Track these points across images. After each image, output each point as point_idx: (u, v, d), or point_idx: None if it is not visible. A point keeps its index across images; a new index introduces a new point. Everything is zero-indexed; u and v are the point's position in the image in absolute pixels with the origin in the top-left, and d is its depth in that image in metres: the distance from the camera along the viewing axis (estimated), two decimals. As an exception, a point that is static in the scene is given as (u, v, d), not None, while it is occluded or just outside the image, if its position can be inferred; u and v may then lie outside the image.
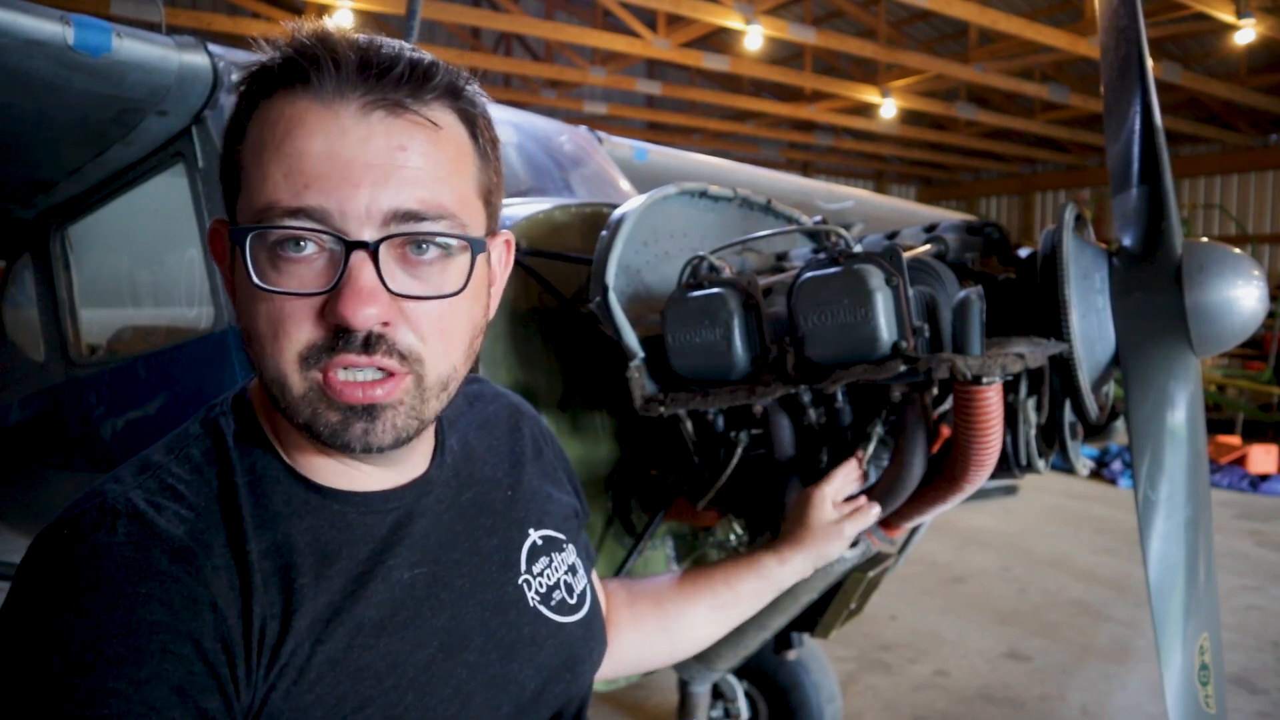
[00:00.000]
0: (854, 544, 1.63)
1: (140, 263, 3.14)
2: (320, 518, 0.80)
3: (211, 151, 2.37)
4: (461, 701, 0.83)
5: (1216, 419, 9.93)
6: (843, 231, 1.64)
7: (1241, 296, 1.51)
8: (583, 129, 3.63)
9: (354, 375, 0.74)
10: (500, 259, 0.90)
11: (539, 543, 0.99)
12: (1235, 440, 8.93)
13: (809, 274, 1.48)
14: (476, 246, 0.78)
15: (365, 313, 0.71)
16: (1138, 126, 1.55)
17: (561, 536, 1.03)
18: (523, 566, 0.96)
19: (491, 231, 0.84)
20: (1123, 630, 4.52)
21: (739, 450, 1.66)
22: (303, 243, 0.72)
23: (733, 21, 9.22)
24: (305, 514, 0.80)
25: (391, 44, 0.75)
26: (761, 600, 1.34)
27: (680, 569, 1.36)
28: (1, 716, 0.64)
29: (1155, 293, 1.53)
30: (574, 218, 1.99)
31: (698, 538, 2.09)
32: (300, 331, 0.73)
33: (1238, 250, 1.55)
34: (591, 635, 1.01)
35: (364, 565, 0.81)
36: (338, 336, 0.72)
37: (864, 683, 3.86)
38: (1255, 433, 9.61)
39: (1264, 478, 8.04)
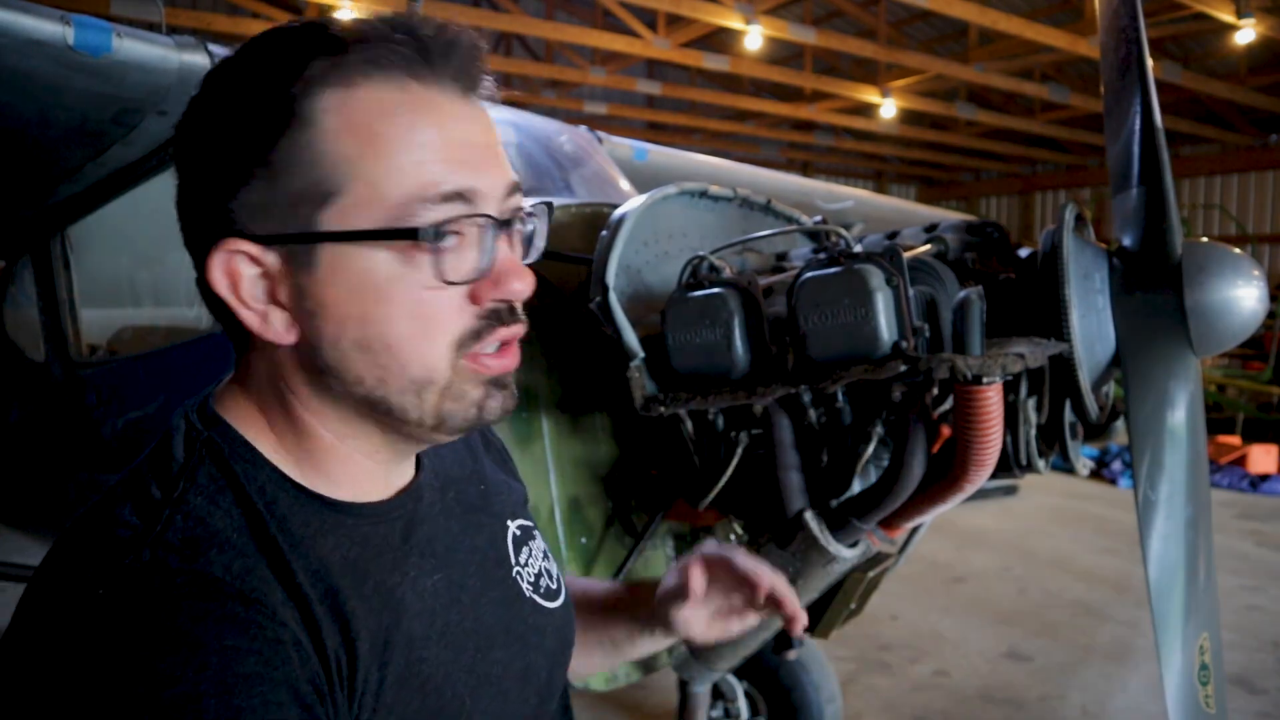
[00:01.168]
0: (854, 544, 1.63)
1: (140, 263, 3.14)
2: (340, 535, 0.76)
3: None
4: (503, 698, 0.84)
5: (1216, 419, 9.93)
6: (843, 231, 1.64)
7: (1241, 296, 1.51)
8: (583, 129, 3.63)
9: (499, 348, 0.76)
10: None
11: (518, 533, 0.98)
12: (1235, 440, 8.93)
13: (809, 274, 1.48)
14: (550, 211, 0.82)
15: (520, 286, 0.74)
16: (1138, 126, 1.55)
17: (530, 524, 1.02)
18: (512, 559, 0.95)
19: None
20: (1123, 630, 4.53)
21: (739, 450, 1.66)
22: (450, 234, 0.70)
23: (733, 21, 9.22)
24: (327, 533, 0.75)
25: (453, 26, 0.74)
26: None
27: (608, 583, 1.25)
28: None
29: (1155, 293, 1.53)
30: (574, 218, 1.99)
31: (698, 538, 2.09)
32: (458, 320, 0.73)
33: (1238, 250, 1.55)
34: (570, 617, 1.02)
35: (393, 579, 0.78)
36: (492, 315, 0.74)
37: (864, 683, 3.86)
38: (1255, 433, 9.60)
39: (1264, 478, 8.04)
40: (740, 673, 2.71)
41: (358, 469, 0.79)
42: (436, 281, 0.70)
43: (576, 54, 12.48)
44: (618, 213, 1.74)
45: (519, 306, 0.77)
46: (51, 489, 3.16)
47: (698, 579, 1.03)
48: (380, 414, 0.75)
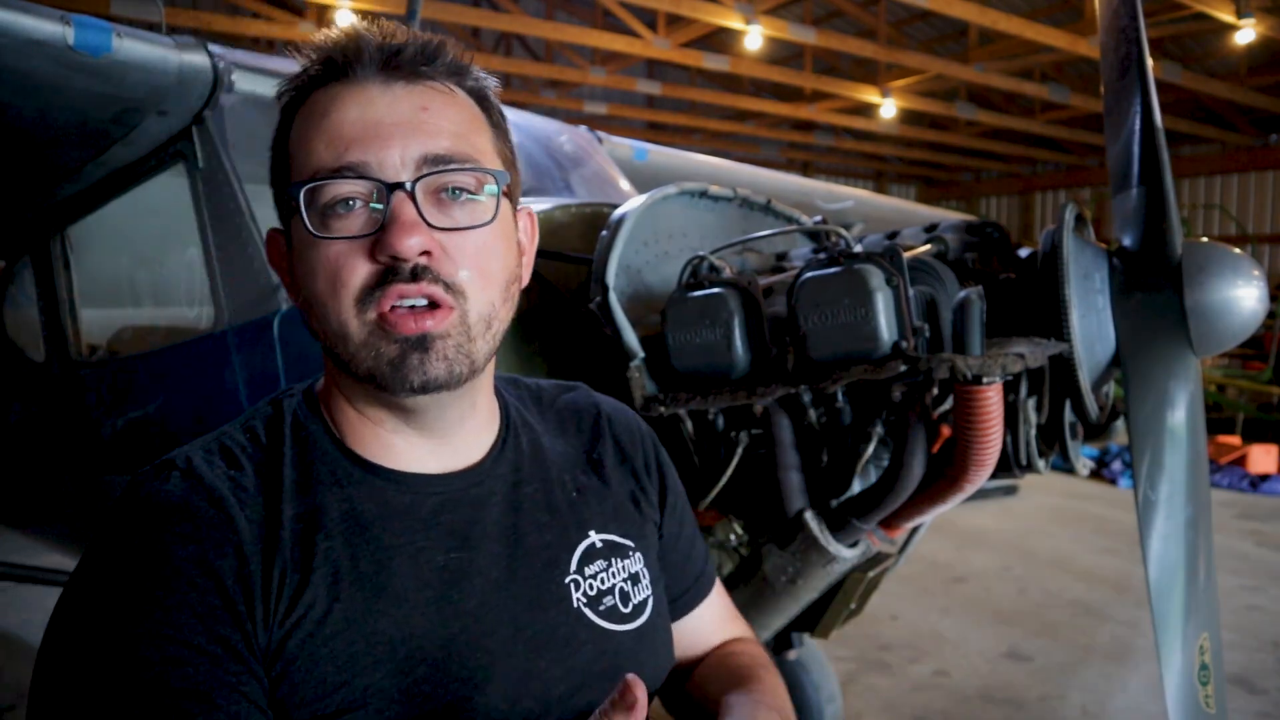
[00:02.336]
0: (854, 544, 1.63)
1: (140, 263, 3.14)
2: (359, 490, 0.87)
3: (212, 151, 2.37)
4: (476, 685, 0.84)
5: (1216, 419, 9.92)
6: (843, 231, 1.64)
7: (1241, 296, 1.51)
8: (583, 129, 3.63)
9: (404, 303, 0.81)
10: (526, 230, 0.97)
11: (598, 545, 0.98)
12: (1235, 440, 8.92)
13: (809, 274, 1.48)
14: (500, 179, 0.87)
15: (409, 242, 0.79)
16: (1138, 126, 1.55)
17: (628, 543, 1.01)
18: (573, 567, 0.95)
19: (513, 197, 0.92)
20: (1123, 630, 4.53)
21: (739, 450, 1.66)
22: (351, 202, 0.82)
23: (733, 21, 9.22)
24: (346, 485, 0.87)
25: (403, 31, 0.87)
26: None
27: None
28: (69, 623, 0.77)
29: (1155, 293, 1.53)
30: (574, 218, 1.99)
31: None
32: (354, 275, 0.81)
33: (1238, 250, 1.55)
34: (645, 649, 0.98)
35: (396, 539, 0.85)
36: (388, 273, 0.81)
37: (864, 683, 3.86)
38: (1255, 433, 9.59)
39: (1264, 478, 8.04)
40: (740, 673, 2.71)
41: (390, 442, 0.90)
42: (322, 239, 0.82)
43: (576, 54, 12.48)
44: (618, 213, 1.74)
45: (436, 269, 0.82)
46: (51, 489, 3.16)
47: None
48: (344, 369, 0.86)
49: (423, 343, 0.82)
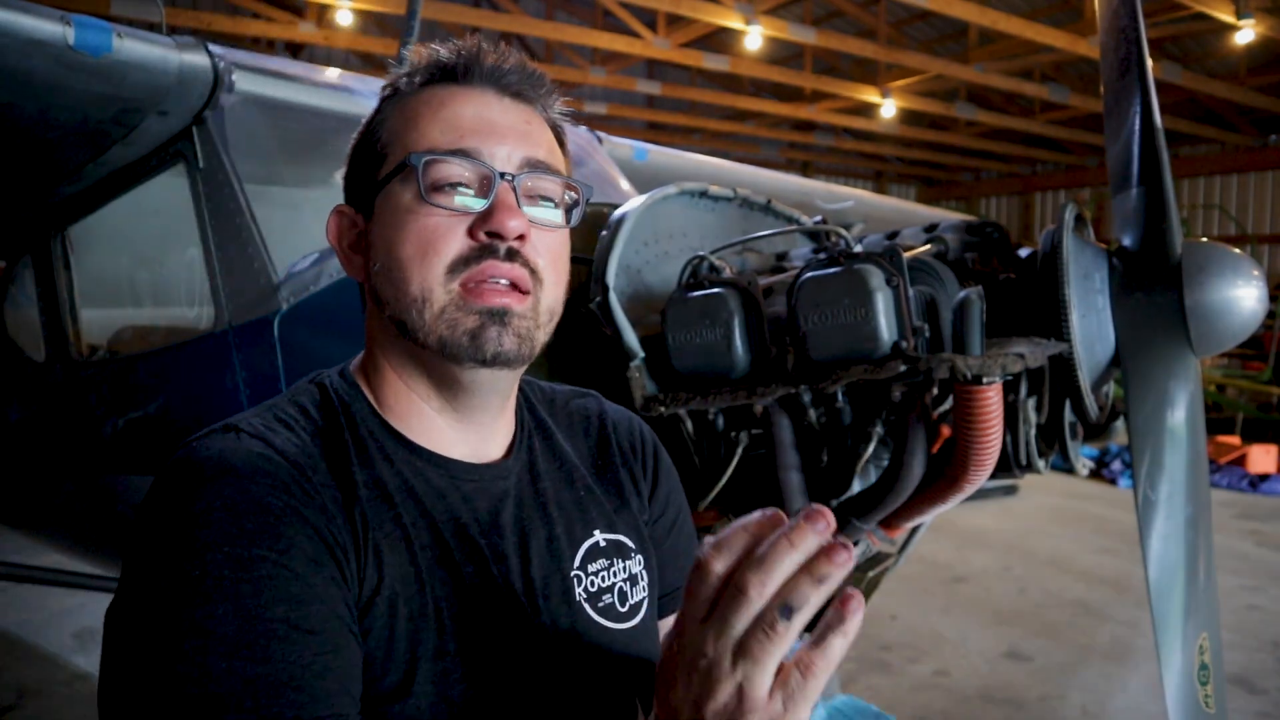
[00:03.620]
0: (854, 544, 1.63)
1: (140, 263, 3.14)
2: (410, 469, 0.90)
3: (212, 151, 2.37)
4: (495, 668, 0.88)
5: (1216, 419, 9.93)
6: (843, 231, 1.64)
7: (1241, 296, 1.51)
8: (583, 129, 3.63)
9: (493, 283, 0.87)
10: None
11: (602, 544, 1.02)
12: (1235, 440, 8.93)
13: (809, 274, 1.48)
14: (585, 192, 0.96)
15: (512, 223, 0.86)
16: (1138, 126, 1.55)
17: (630, 545, 1.05)
18: (576, 562, 0.99)
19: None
20: (1123, 630, 4.53)
21: (739, 450, 1.66)
22: (455, 186, 0.88)
23: (733, 21, 9.22)
24: (397, 463, 0.90)
25: (513, 55, 0.95)
26: None
27: None
28: (158, 588, 0.73)
29: (1155, 293, 1.53)
30: (574, 218, 1.99)
31: (698, 538, 2.09)
32: (450, 245, 0.87)
33: (1237, 250, 1.55)
34: (638, 648, 1.01)
35: (444, 519, 0.89)
36: (484, 249, 0.87)
37: (864, 683, 3.86)
38: (1255, 433, 9.60)
39: (1264, 478, 8.05)
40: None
41: (430, 424, 0.94)
42: (431, 209, 0.87)
43: (576, 54, 12.48)
44: (618, 213, 1.74)
45: (525, 255, 0.89)
46: (52, 489, 3.16)
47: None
48: (402, 338, 0.90)
49: (503, 316, 0.87)
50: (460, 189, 0.88)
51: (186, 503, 0.76)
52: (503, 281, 0.87)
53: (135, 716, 0.70)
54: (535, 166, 0.91)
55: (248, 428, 0.84)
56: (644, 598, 1.04)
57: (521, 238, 0.88)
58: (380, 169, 0.92)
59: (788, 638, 0.60)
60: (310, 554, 0.77)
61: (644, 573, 1.05)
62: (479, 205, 0.88)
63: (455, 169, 0.88)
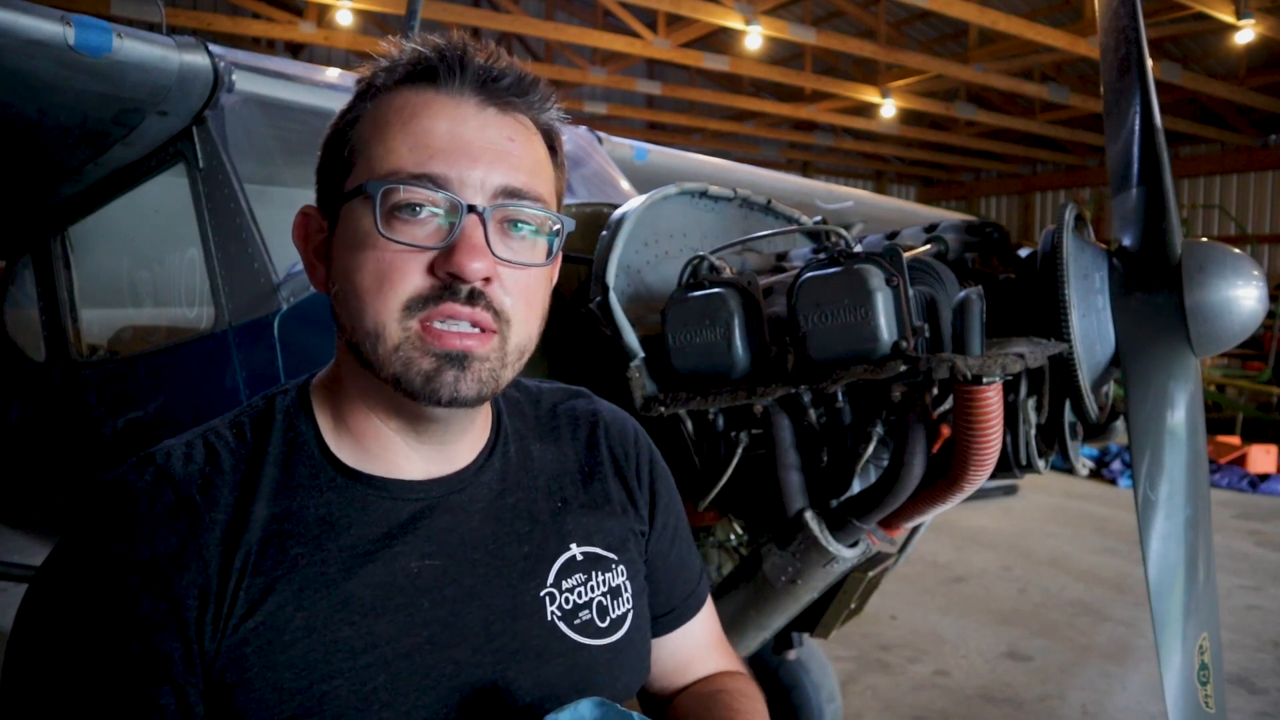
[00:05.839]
0: (854, 544, 1.63)
1: (140, 263, 3.14)
2: (338, 495, 0.86)
3: (212, 151, 2.37)
4: (438, 695, 0.84)
5: (1216, 419, 9.93)
6: (843, 231, 1.64)
7: (1241, 296, 1.51)
8: (583, 129, 3.63)
9: (452, 326, 0.82)
10: (554, 271, 0.97)
11: (578, 558, 0.98)
12: (1235, 440, 8.93)
13: (809, 274, 1.48)
14: (566, 224, 0.90)
15: (475, 266, 0.80)
16: (1138, 126, 1.55)
17: (611, 556, 1.01)
18: (549, 579, 0.95)
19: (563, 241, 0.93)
20: (1123, 630, 4.53)
21: (739, 450, 1.66)
22: (419, 208, 0.81)
23: (733, 21, 9.22)
24: (325, 489, 0.86)
25: (503, 56, 0.88)
26: None
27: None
28: (28, 614, 0.80)
29: (1155, 293, 1.53)
30: (574, 217, 1.98)
31: (698, 538, 2.09)
32: (407, 282, 0.81)
33: (1237, 250, 1.55)
34: (620, 664, 0.98)
35: (370, 546, 0.85)
36: (444, 289, 0.81)
37: (864, 683, 3.86)
38: (1255, 433, 9.61)
39: (1264, 478, 8.05)
40: (740, 673, 2.71)
41: (387, 443, 0.89)
42: (388, 240, 0.81)
43: (576, 54, 12.48)
44: (618, 213, 1.74)
45: (491, 295, 0.83)
46: (52, 489, 3.16)
47: None
48: (367, 367, 0.85)
49: (462, 361, 0.82)
50: (426, 213, 0.81)
51: (73, 536, 0.81)
52: (463, 325, 0.82)
53: None
54: (511, 195, 0.84)
55: (161, 459, 0.84)
56: (628, 610, 1.00)
57: (487, 279, 0.82)
58: (346, 178, 0.86)
59: None
60: (142, 613, 0.77)
61: (627, 584, 1.01)
62: (438, 242, 0.81)
63: (420, 194, 0.81)
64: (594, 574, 0.98)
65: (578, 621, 0.95)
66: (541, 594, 0.94)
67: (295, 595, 0.80)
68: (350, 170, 0.85)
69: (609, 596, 0.99)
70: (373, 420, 0.89)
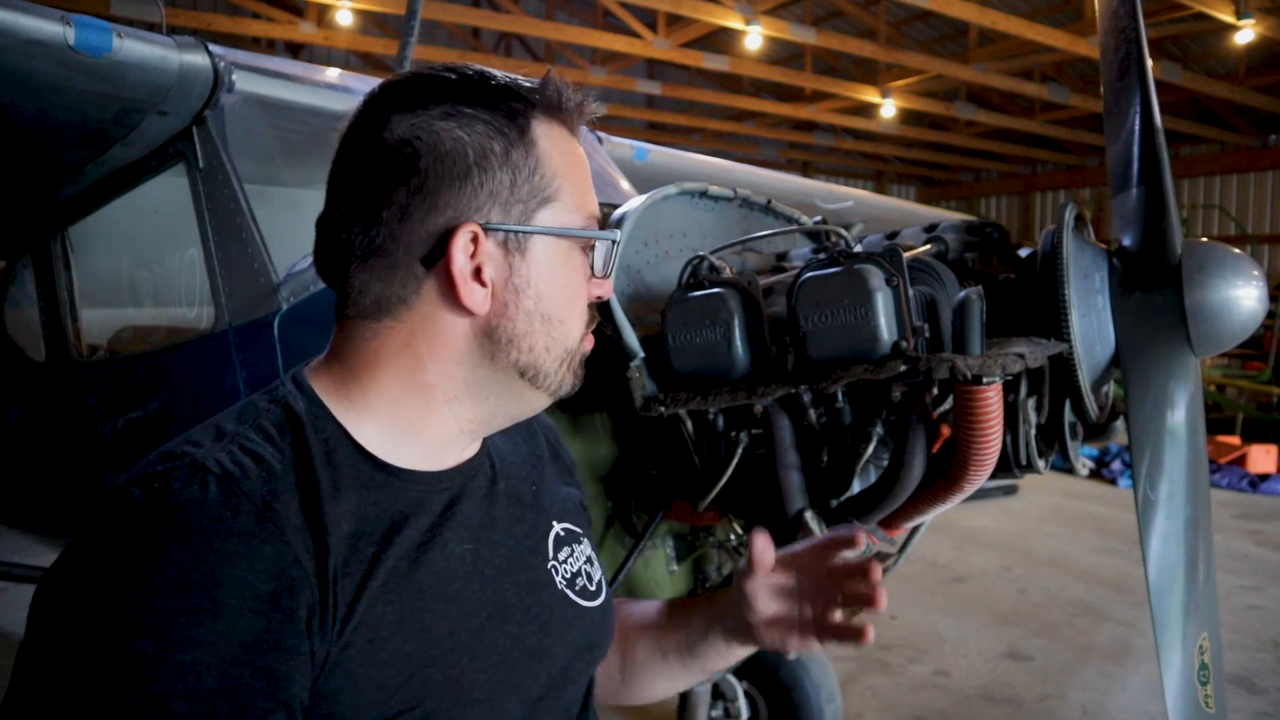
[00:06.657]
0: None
1: (140, 263, 3.14)
2: (386, 492, 0.87)
3: (212, 151, 2.37)
4: (507, 667, 0.91)
5: (1216, 419, 9.93)
6: (843, 231, 1.64)
7: (1241, 296, 1.51)
8: (583, 129, 3.62)
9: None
10: None
11: (561, 534, 1.07)
12: (1235, 440, 8.93)
13: (809, 274, 1.48)
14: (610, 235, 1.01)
15: (609, 286, 0.99)
16: (1137, 126, 1.55)
17: (579, 530, 1.12)
18: (550, 553, 1.03)
19: None
20: (1123, 630, 4.53)
21: (739, 450, 1.66)
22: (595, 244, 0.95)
23: (733, 21, 9.22)
24: (373, 488, 0.86)
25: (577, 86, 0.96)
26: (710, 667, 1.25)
27: (659, 603, 1.29)
28: (89, 654, 0.69)
29: (1155, 293, 1.53)
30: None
31: (698, 538, 2.09)
32: (584, 306, 0.95)
33: (1237, 250, 1.55)
34: (607, 622, 1.09)
35: (425, 536, 0.88)
36: (594, 306, 0.97)
37: (864, 683, 3.86)
38: (1255, 433, 9.60)
39: (1264, 478, 8.05)
40: (740, 672, 2.71)
41: (435, 437, 0.91)
42: (589, 275, 0.94)
43: (576, 54, 12.48)
44: (618, 213, 1.74)
45: None
46: (52, 489, 3.16)
47: (763, 547, 1.11)
48: (521, 379, 0.91)
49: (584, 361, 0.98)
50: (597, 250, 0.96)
51: (138, 562, 0.71)
52: None
53: None
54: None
55: (217, 467, 0.77)
56: (600, 575, 1.11)
57: None
58: (547, 206, 0.89)
59: None
60: (250, 637, 0.72)
61: (594, 554, 1.12)
62: (600, 268, 0.96)
63: (607, 244, 0.96)
64: (574, 546, 1.08)
65: (577, 588, 1.05)
66: (548, 567, 1.02)
67: (381, 591, 0.82)
68: (548, 202, 0.90)
69: (588, 564, 1.09)
70: (443, 416, 0.91)
